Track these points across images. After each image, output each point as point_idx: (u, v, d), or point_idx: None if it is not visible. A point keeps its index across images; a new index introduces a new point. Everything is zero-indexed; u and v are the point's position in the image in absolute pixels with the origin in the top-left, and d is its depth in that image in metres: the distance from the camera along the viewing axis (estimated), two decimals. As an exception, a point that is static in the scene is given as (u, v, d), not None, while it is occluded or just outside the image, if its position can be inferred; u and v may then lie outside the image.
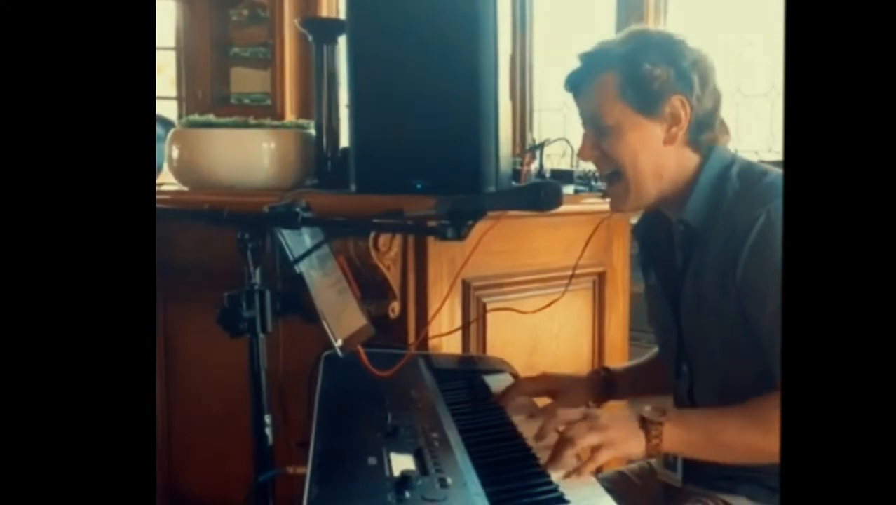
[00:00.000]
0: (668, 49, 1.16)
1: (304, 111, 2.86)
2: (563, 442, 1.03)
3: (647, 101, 1.14)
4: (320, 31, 1.62)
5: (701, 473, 1.20)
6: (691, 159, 1.18)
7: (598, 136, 1.18)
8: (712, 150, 1.17)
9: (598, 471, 1.64)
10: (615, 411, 1.22)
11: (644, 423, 1.06)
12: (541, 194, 1.02)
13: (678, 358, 1.24)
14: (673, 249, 1.21)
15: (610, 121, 1.16)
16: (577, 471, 1.02)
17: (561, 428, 1.06)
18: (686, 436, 1.07)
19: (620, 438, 1.05)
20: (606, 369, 1.44)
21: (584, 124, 1.22)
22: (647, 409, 1.09)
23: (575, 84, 1.21)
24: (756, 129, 3.05)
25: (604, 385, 1.39)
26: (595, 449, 1.04)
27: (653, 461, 1.31)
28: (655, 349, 1.46)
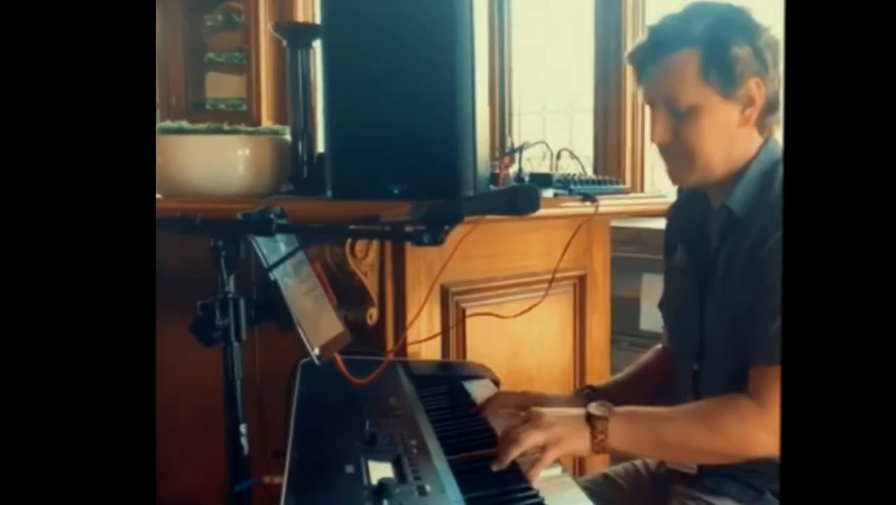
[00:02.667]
0: (746, 26, 1.12)
1: (280, 116, 2.85)
2: (509, 442, 1.02)
3: (729, 82, 1.11)
4: (294, 35, 1.60)
5: (686, 473, 1.20)
6: (756, 142, 1.16)
7: (674, 120, 1.14)
8: (766, 142, 1.16)
9: (581, 474, 1.65)
10: (560, 409, 1.20)
11: (590, 418, 1.06)
12: (517, 198, 1.01)
13: (696, 343, 1.21)
14: (707, 231, 1.20)
15: (689, 102, 1.12)
16: (527, 473, 1.01)
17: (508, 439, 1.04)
18: (632, 433, 1.07)
19: (566, 435, 1.04)
20: (591, 387, 1.43)
21: (655, 105, 1.17)
22: (593, 405, 1.09)
23: (645, 61, 1.16)
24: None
25: (588, 403, 1.38)
26: (542, 448, 1.03)
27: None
28: (639, 360, 1.45)
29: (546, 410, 1.11)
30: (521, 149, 1.71)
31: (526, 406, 1.34)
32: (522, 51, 3.05)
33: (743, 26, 1.12)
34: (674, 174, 1.20)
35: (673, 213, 1.35)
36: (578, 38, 2.85)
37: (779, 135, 1.18)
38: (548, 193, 1.58)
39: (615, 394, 1.41)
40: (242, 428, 1.00)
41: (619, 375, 1.49)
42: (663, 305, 1.37)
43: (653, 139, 1.18)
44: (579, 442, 1.05)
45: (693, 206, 1.27)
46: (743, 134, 1.14)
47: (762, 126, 1.15)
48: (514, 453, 1.02)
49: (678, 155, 1.17)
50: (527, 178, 1.66)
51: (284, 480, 0.86)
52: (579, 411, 1.08)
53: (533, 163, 1.87)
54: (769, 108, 1.14)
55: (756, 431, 1.02)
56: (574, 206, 1.55)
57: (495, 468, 1.01)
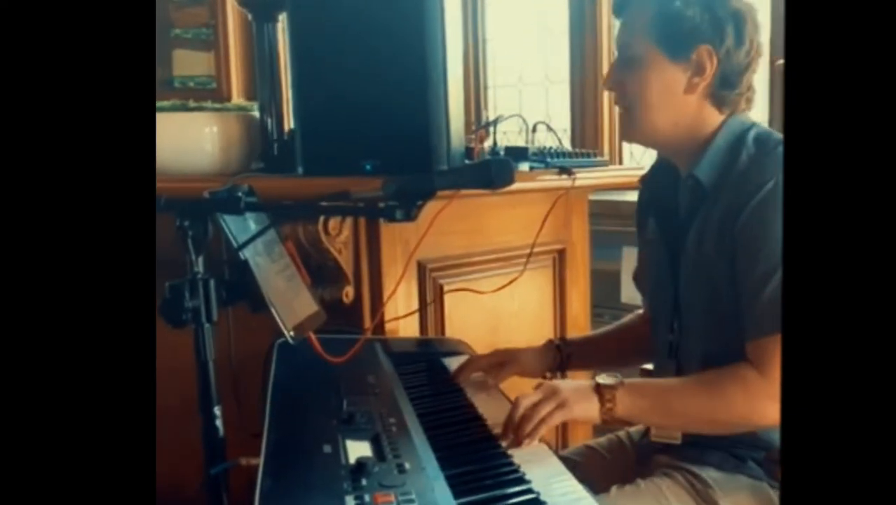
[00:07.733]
0: None
1: (252, 93, 2.78)
2: (540, 422, 1.04)
3: (672, 43, 1.12)
4: (259, 8, 1.56)
5: (670, 444, 1.20)
6: (711, 115, 1.15)
7: (623, 66, 1.17)
8: (733, 115, 1.16)
9: (563, 446, 1.65)
10: (569, 380, 1.23)
11: (598, 387, 1.08)
12: (491, 171, 0.99)
13: (672, 313, 1.22)
14: (678, 202, 1.20)
15: (634, 53, 1.15)
16: (532, 433, 1.03)
17: (522, 410, 1.05)
18: (639, 401, 1.08)
19: (574, 400, 1.06)
20: (562, 339, 1.44)
21: (617, 49, 1.21)
22: (602, 375, 1.10)
23: (618, 7, 1.20)
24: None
25: (558, 355, 1.39)
26: (551, 413, 1.05)
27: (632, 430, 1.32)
28: (618, 321, 1.46)
29: (557, 382, 1.14)
30: (496, 122, 1.69)
31: (498, 364, 1.34)
32: (497, 22, 3.01)
33: None
34: (623, 128, 1.25)
35: (644, 184, 1.35)
36: (553, 9, 2.82)
37: (745, 114, 1.18)
38: (524, 167, 1.57)
39: (587, 348, 1.43)
40: (217, 410, 0.98)
41: (593, 332, 1.50)
42: (638, 278, 1.36)
43: (604, 84, 1.24)
44: (588, 409, 1.07)
45: (663, 178, 1.27)
46: (692, 102, 1.14)
47: (718, 99, 1.15)
48: (542, 432, 1.04)
49: (623, 106, 1.20)
50: (502, 152, 1.65)
51: (261, 461, 0.85)
52: (588, 381, 1.10)
53: (509, 136, 1.85)
54: (724, 81, 1.13)
55: (763, 402, 1.04)
56: (551, 180, 1.54)
57: (522, 446, 1.02)
